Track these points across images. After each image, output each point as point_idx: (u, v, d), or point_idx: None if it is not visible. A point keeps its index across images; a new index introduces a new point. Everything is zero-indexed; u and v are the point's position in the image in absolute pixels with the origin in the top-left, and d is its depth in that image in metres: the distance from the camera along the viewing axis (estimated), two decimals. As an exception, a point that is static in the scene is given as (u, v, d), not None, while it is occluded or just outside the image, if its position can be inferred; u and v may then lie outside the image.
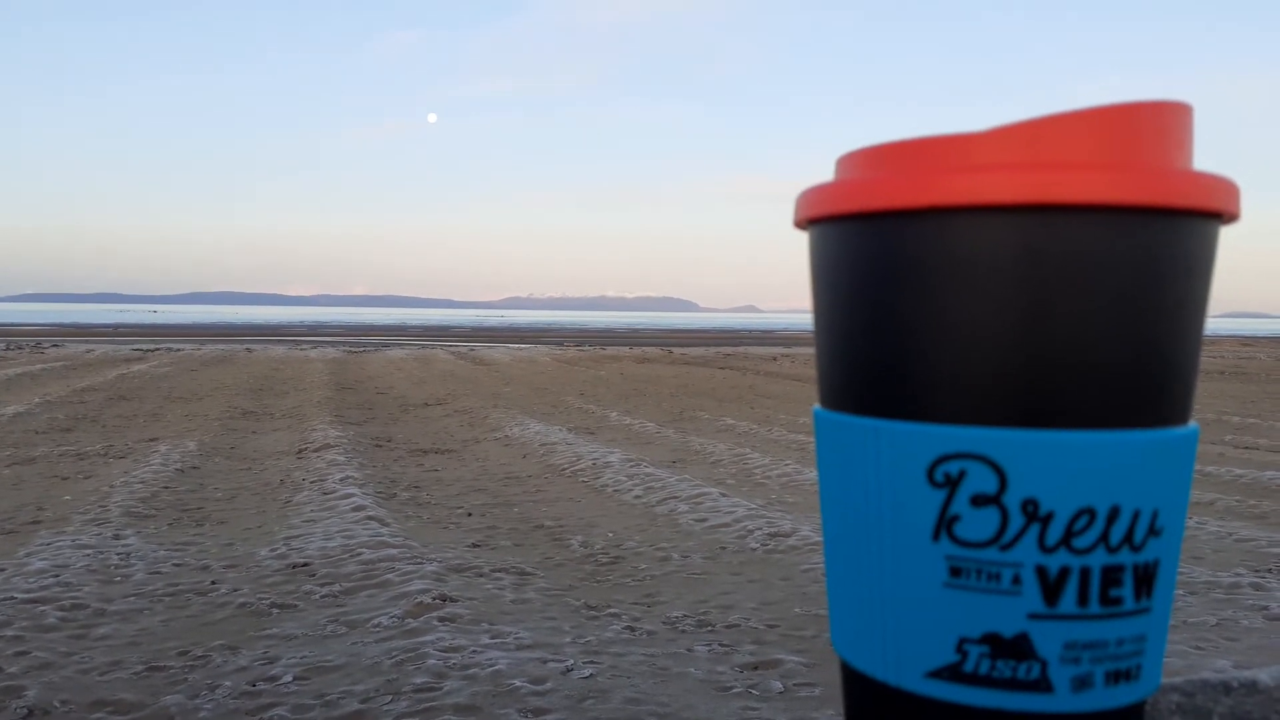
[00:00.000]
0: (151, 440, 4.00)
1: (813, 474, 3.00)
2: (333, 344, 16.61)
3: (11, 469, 3.37)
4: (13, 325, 29.69)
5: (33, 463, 3.45)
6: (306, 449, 3.68)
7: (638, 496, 2.67)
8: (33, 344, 13.26)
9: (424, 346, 15.89)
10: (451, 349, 14.75)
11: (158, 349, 12.63)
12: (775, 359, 12.47)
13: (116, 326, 29.33)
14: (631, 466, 3.10)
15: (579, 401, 6.03)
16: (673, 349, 15.68)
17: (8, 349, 12.11)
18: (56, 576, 1.77)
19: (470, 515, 2.50)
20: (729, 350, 15.26)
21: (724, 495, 2.58)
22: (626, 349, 15.32)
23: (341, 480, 2.83)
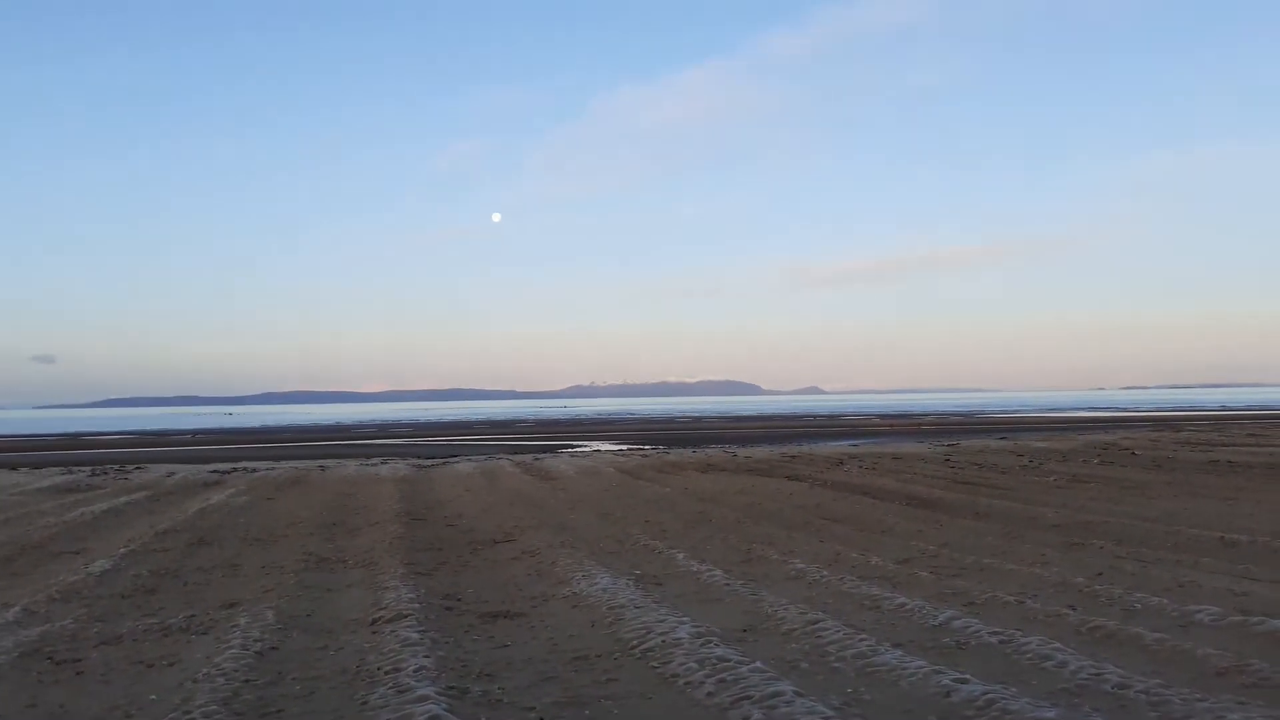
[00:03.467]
0: (231, 606, 4.08)
1: (888, 656, 2.94)
2: (401, 454, 16.89)
3: (99, 650, 3.46)
4: (97, 435, 30.68)
5: (119, 643, 3.54)
6: (380, 619, 3.72)
7: (709, 693, 2.64)
8: (116, 468, 13.64)
9: (489, 456, 16.04)
10: (516, 458, 14.84)
11: (234, 470, 12.96)
12: (841, 462, 12.23)
13: (194, 433, 30.15)
14: (702, 646, 3.06)
15: (644, 536, 5.99)
16: (736, 451, 15.56)
17: (93, 474, 12.52)
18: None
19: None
20: (793, 451, 15.07)
21: (799, 695, 2.53)
22: (690, 452, 15.23)
23: (415, 673, 2.85)
